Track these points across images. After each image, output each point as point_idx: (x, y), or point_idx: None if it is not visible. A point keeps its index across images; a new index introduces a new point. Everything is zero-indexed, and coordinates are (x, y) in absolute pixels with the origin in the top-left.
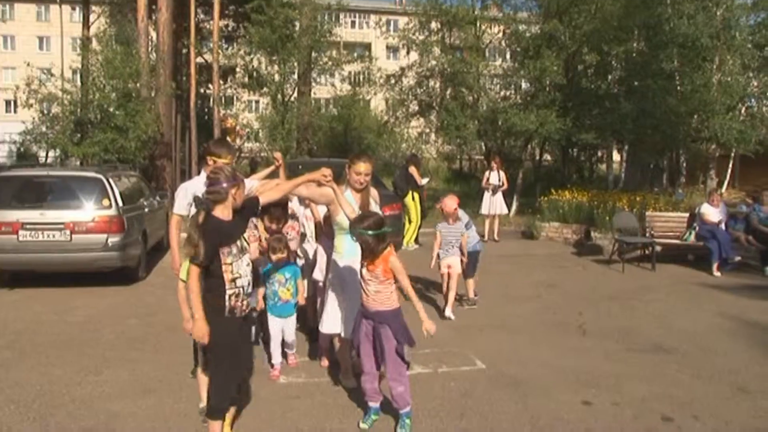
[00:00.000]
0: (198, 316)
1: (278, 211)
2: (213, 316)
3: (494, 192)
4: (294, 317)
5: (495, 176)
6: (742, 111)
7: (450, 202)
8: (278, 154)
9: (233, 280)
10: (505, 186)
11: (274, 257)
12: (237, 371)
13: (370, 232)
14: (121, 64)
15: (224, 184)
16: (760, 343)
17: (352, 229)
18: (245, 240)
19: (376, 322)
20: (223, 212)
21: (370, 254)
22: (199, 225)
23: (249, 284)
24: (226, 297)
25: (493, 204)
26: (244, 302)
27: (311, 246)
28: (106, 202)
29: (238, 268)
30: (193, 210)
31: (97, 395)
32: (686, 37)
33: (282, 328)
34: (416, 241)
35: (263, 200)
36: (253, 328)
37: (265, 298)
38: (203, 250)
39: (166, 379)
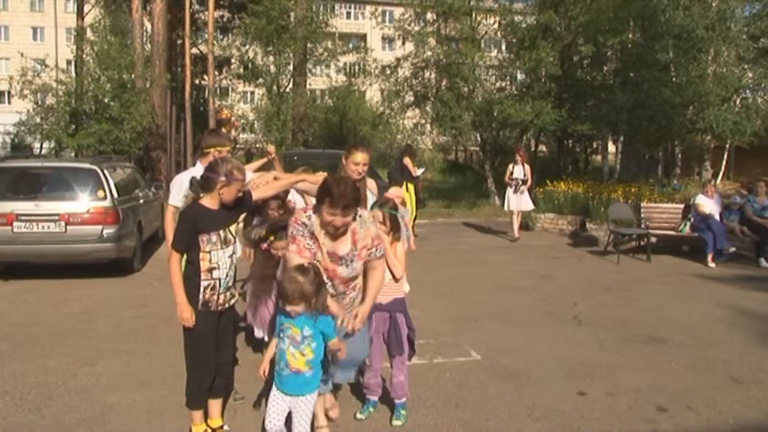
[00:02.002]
0: (179, 300)
1: (276, 203)
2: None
3: (518, 188)
4: (311, 399)
5: (519, 170)
6: (737, 102)
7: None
8: (271, 148)
9: (209, 270)
10: (530, 181)
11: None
12: (211, 364)
13: (394, 212)
14: (116, 55)
15: (217, 176)
16: (754, 333)
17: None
18: (231, 232)
19: (393, 312)
20: (210, 201)
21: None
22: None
23: (229, 278)
24: (201, 288)
25: (519, 200)
26: (221, 297)
27: None
28: (101, 193)
29: (216, 258)
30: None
31: (93, 387)
32: (681, 29)
33: (288, 409)
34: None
35: (256, 196)
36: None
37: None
38: (176, 233)
39: (161, 370)
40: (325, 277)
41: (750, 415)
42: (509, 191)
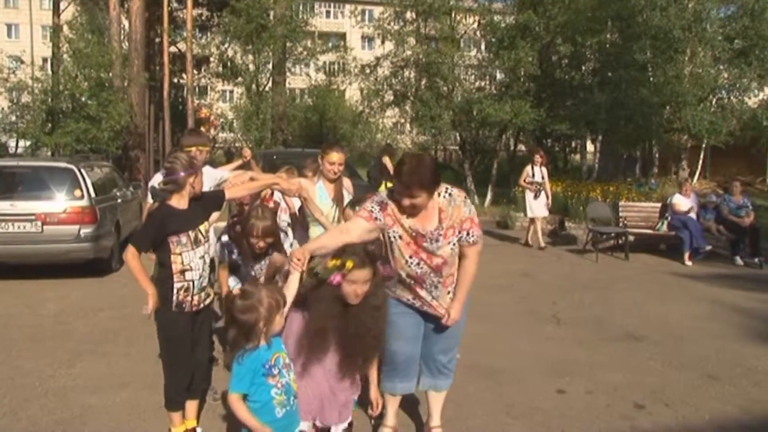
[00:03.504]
0: (150, 291)
1: (267, 227)
2: (161, 309)
3: (539, 192)
4: None
5: (538, 173)
6: (713, 102)
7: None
8: (247, 151)
9: (182, 272)
10: (547, 185)
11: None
12: (188, 364)
13: None
14: (93, 54)
15: (181, 173)
16: (730, 330)
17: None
18: (201, 232)
19: None
20: (178, 201)
21: None
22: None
23: (203, 278)
24: (174, 290)
25: (539, 206)
26: (195, 297)
27: (288, 238)
28: (78, 192)
29: (188, 259)
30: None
31: (71, 388)
32: (659, 29)
33: None
34: None
35: (230, 195)
36: None
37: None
38: (141, 233)
39: (140, 371)
40: (415, 265)
41: (725, 410)
42: (529, 196)
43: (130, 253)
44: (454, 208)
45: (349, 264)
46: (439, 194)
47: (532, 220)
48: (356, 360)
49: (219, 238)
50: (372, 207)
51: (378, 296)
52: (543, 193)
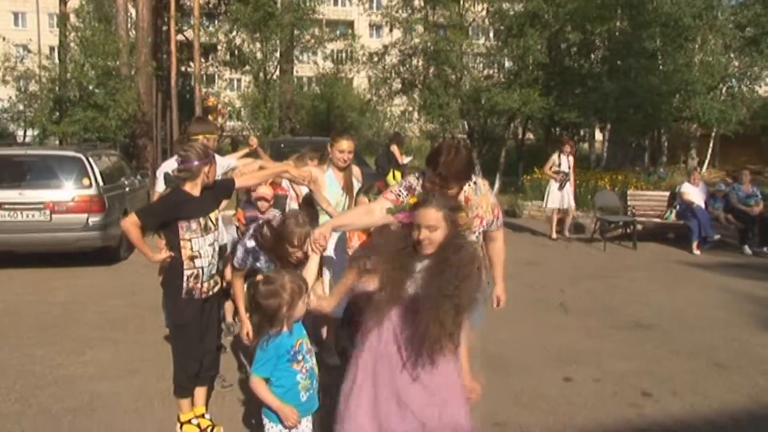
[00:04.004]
0: (150, 255)
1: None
2: (171, 297)
3: (564, 183)
4: (309, 423)
5: (566, 162)
6: (723, 91)
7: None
8: (253, 140)
9: (191, 258)
10: (572, 176)
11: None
12: (197, 351)
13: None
14: (100, 42)
15: (195, 162)
16: (738, 319)
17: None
18: (211, 220)
19: None
20: (191, 188)
21: None
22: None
23: (212, 266)
24: (184, 278)
25: (564, 197)
26: (205, 284)
27: None
28: (86, 181)
29: (198, 246)
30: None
31: (80, 376)
32: (669, 17)
33: None
34: None
35: (239, 184)
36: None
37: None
38: (152, 210)
39: (149, 359)
40: None
41: (732, 399)
42: (553, 186)
43: (131, 221)
44: (481, 197)
45: (412, 200)
46: (468, 184)
47: (560, 211)
48: (432, 334)
49: (235, 245)
50: (399, 191)
51: (461, 250)
52: (568, 183)
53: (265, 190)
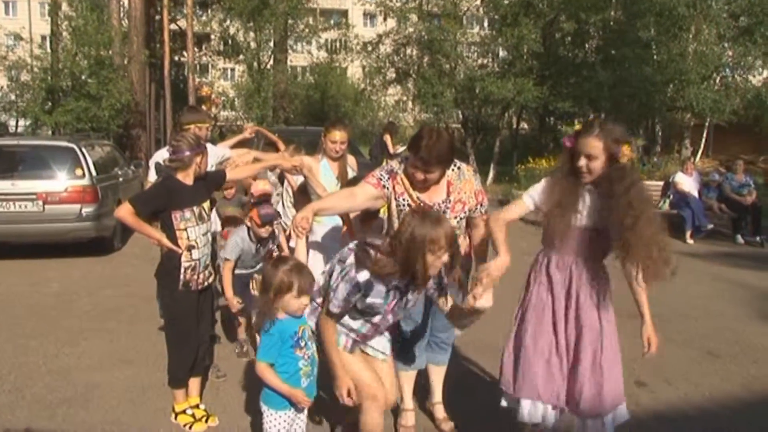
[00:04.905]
0: (157, 236)
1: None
2: (167, 288)
3: None
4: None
5: None
6: (717, 81)
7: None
8: (251, 128)
9: (188, 249)
10: None
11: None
12: (193, 342)
13: None
14: (93, 31)
15: (187, 152)
16: (730, 308)
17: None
18: (205, 209)
19: None
20: (183, 178)
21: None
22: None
23: (206, 256)
24: (182, 270)
25: None
26: (200, 276)
27: (290, 213)
28: (79, 171)
29: (194, 235)
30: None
31: (74, 366)
32: (663, 6)
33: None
34: None
35: (231, 176)
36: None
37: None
38: (145, 197)
39: (143, 349)
40: None
41: (724, 387)
42: None
43: (125, 209)
44: (464, 182)
45: (578, 126)
46: (451, 168)
47: None
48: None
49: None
50: (381, 174)
51: (623, 182)
52: None
53: (265, 186)
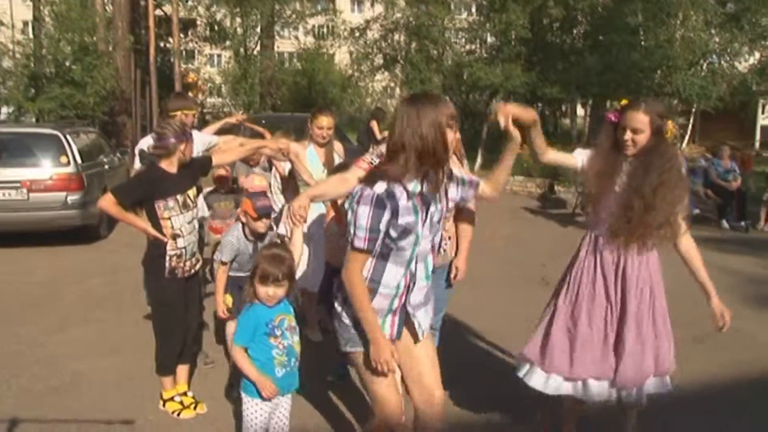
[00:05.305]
0: (142, 225)
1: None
2: (154, 276)
3: None
4: (288, 402)
5: None
6: (704, 67)
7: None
8: (238, 115)
9: (174, 238)
10: None
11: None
12: (181, 330)
13: None
14: (76, 17)
15: (172, 140)
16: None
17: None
18: (189, 197)
19: None
20: (168, 166)
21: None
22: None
23: (192, 244)
24: (167, 257)
25: None
26: (187, 263)
27: (278, 200)
28: (64, 159)
29: (179, 224)
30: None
31: (62, 355)
32: None
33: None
34: None
35: (217, 161)
36: None
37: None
38: (128, 187)
39: (131, 337)
40: None
41: (710, 372)
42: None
43: (108, 200)
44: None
45: (625, 101)
46: None
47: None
48: (615, 230)
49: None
50: (372, 159)
51: (665, 156)
52: None
53: (261, 182)
